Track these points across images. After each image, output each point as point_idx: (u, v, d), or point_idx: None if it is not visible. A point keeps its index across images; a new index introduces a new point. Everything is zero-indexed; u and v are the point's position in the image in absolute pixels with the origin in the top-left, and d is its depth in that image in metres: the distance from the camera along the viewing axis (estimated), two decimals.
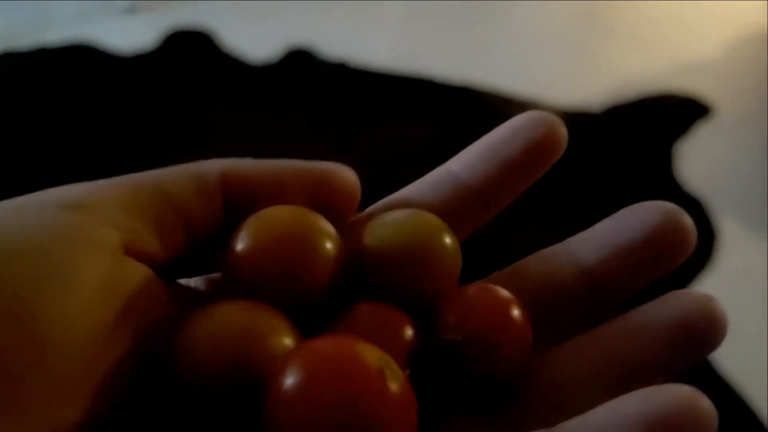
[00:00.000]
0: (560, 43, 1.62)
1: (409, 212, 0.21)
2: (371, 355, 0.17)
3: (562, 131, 0.23)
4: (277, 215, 0.20)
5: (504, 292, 0.20)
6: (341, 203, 0.22)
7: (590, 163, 1.29)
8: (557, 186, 1.11)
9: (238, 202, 0.21)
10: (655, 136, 1.39)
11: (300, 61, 1.45)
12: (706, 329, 0.18)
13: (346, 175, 0.22)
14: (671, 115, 1.46)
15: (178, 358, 0.18)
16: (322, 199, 0.22)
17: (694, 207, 1.16)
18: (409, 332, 0.20)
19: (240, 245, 0.20)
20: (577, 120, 1.39)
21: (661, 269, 0.21)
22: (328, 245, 0.20)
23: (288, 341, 0.18)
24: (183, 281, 0.22)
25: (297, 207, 0.21)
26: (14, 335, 0.15)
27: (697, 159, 1.32)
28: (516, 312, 0.20)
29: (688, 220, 0.20)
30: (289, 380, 0.16)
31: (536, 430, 0.17)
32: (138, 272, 0.19)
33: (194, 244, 0.21)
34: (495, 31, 1.62)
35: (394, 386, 0.16)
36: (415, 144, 1.25)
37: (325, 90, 1.38)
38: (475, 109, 1.39)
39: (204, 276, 0.23)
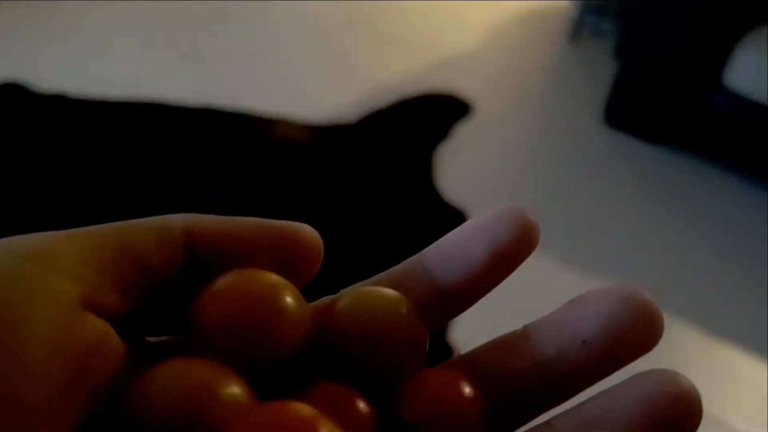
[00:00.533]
0: (314, 52, 1.52)
1: (379, 290, 0.22)
2: (324, 427, 0.17)
3: (536, 226, 0.22)
4: (242, 278, 0.20)
5: (464, 383, 0.21)
6: (304, 262, 0.22)
7: (348, 179, 1.20)
8: (314, 205, 1.03)
9: (201, 257, 0.21)
10: (415, 142, 1.31)
11: (14, 95, 1.31)
12: (676, 413, 0.18)
13: (308, 234, 0.22)
14: (430, 117, 1.39)
15: (129, 414, 0.18)
16: (286, 257, 0.22)
17: (456, 218, 1.09)
18: (366, 413, 0.20)
19: (202, 307, 0.20)
20: (329, 134, 1.30)
21: (626, 359, 0.20)
22: (293, 313, 0.20)
23: (241, 402, 0.18)
24: (154, 339, 0.22)
25: (263, 272, 0.21)
26: None
27: (457, 164, 1.27)
28: (473, 402, 0.20)
29: (652, 305, 0.20)
30: None
31: None
32: (95, 328, 0.19)
33: (155, 298, 0.21)
34: (244, 46, 1.49)
35: None
36: (157, 163, 1.19)
37: (41, 122, 1.26)
38: (218, 130, 1.28)
39: (178, 336, 0.23)
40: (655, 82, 1.42)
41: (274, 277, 0.21)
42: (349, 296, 0.22)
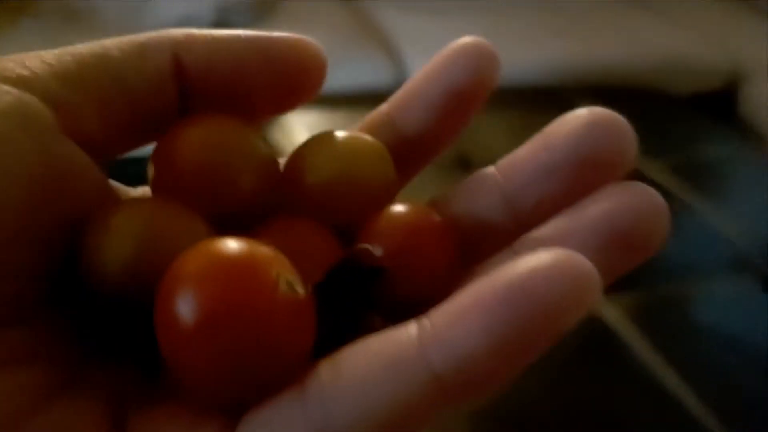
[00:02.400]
0: None
1: (348, 133, 0.21)
2: (270, 265, 0.16)
3: (494, 57, 0.21)
4: (208, 123, 0.20)
5: (430, 212, 0.20)
6: (306, 80, 0.21)
7: None
8: None
9: (189, 86, 0.20)
10: None
11: None
12: (641, 229, 0.17)
13: (310, 48, 0.21)
14: None
15: (85, 250, 0.18)
16: (286, 78, 0.21)
17: None
18: (328, 246, 0.19)
19: (167, 151, 0.20)
20: None
21: (597, 182, 0.18)
22: (257, 156, 0.20)
23: (199, 239, 0.17)
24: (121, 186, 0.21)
25: (232, 117, 0.20)
26: None
27: None
28: (440, 233, 0.19)
29: (622, 123, 0.18)
30: (177, 280, 0.16)
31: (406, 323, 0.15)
32: (73, 157, 0.18)
33: (142, 129, 0.20)
34: None
35: (286, 302, 0.16)
36: None
37: None
38: None
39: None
40: None
41: (236, 122, 0.20)
42: (318, 139, 0.21)
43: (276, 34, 0.21)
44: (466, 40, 0.21)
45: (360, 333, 0.17)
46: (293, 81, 0.21)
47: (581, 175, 0.18)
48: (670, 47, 1.46)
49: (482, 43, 0.21)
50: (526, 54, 1.38)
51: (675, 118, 1.21)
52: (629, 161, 0.18)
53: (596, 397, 0.67)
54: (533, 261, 0.14)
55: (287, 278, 0.16)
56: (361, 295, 0.19)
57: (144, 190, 0.21)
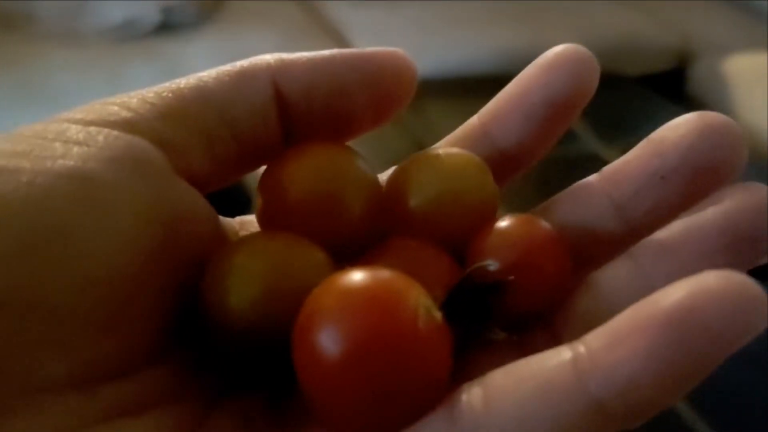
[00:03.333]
0: None
1: (449, 150, 0.21)
2: (409, 293, 0.16)
3: (594, 65, 0.21)
4: (312, 151, 0.20)
5: (542, 223, 0.20)
6: (399, 91, 0.21)
7: None
8: None
9: (292, 109, 0.20)
10: None
11: None
12: (758, 226, 0.16)
13: (403, 59, 0.21)
14: None
15: (210, 292, 0.18)
16: (384, 93, 0.21)
17: None
18: (446, 265, 0.19)
19: (276, 180, 0.20)
20: None
21: (708, 189, 0.18)
22: (365, 182, 0.20)
23: (324, 269, 0.18)
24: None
25: (333, 143, 0.21)
26: (52, 267, 0.15)
27: None
28: (555, 243, 0.19)
29: (734, 128, 0.18)
30: (317, 315, 0.16)
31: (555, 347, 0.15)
32: (186, 197, 0.18)
33: (247, 159, 0.20)
34: None
35: (428, 329, 0.16)
36: None
37: None
38: None
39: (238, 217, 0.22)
40: None
41: (341, 148, 0.21)
42: (418, 158, 0.21)
43: (369, 50, 0.21)
44: (565, 47, 0.21)
45: (483, 346, 0.19)
46: (390, 93, 0.21)
47: (694, 181, 0.18)
48: (620, 29, 1.47)
49: (581, 49, 0.21)
50: (478, 42, 1.37)
51: (629, 100, 1.22)
52: (741, 164, 0.18)
53: None
54: (697, 283, 0.13)
55: (425, 304, 0.16)
56: (482, 309, 0.19)
57: (242, 220, 0.22)
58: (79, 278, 0.16)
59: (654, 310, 0.13)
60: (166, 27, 1.31)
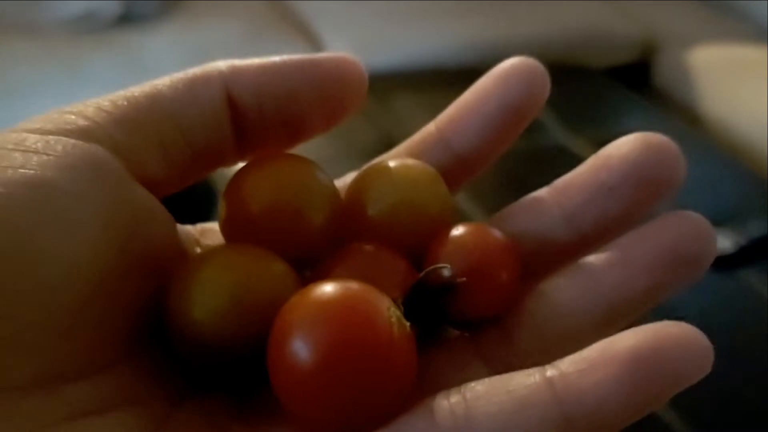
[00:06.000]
0: None
1: (404, 161, 0.22)
2: (381, 304, 0.17)
3: (545, 75, 0.22)
4: (275, 163, 0.21)
5: (494, 231, 0.21)
6: (350, 94, 0.22)
7: None
8: None
9: (245, 114, 0.21)
10: None
11: None
12: (695, 252, 0.19)
13: (352, 64, 0.21)
14: None
15: (175, 304, 0.18)
16: (334, 96, 0.21)
17: None
18: (402, 269, 0.20)
19: (240, 191, 0.20)
20: None
21: (651, 201, 0.20)
22: (326, 194, 0.21)
23: (290, 282, 0.19)
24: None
25: (294, 156, 0.22)
26: (13, 273, 0.16)
27: None
28: (506, 250, 0.21)
29: (673, 147, 0.20)
30: (294, 327, 0.17)
31: (528, 369, 0.17)
32: (144, 203, 0.19)
33: (201, 163, 0.21)
34: None
35: (400, 337, 0.17)
36: None
37: None
38: None
39: (197, 224, 0.23)
40: None
41: (302, 160, 0.21)
42: (374, 169, 0.22)
43: (319, 55, 0.22)
44: (519, 59, 0.22)
45: (438, 343, 0.20)
46: (340, 98, 0.22)
47: (638, 193, 0.20)
48: (586, 22, 1.47)
49: (533, 62, 0.22)
50: (446, 35, 1.37)
51: (595, 92, 1.22)
52: (679, 179, 0.20)
53: None
54: (663, 327, 0.16)
55: (396, 314, 0.17)
56: (437, 310, 0.20)
57: (202, 227, 0.23)
58: (40, 284, 0.16)
59: (625, 346, 0.15)
60: (127, 19, 1.28)
